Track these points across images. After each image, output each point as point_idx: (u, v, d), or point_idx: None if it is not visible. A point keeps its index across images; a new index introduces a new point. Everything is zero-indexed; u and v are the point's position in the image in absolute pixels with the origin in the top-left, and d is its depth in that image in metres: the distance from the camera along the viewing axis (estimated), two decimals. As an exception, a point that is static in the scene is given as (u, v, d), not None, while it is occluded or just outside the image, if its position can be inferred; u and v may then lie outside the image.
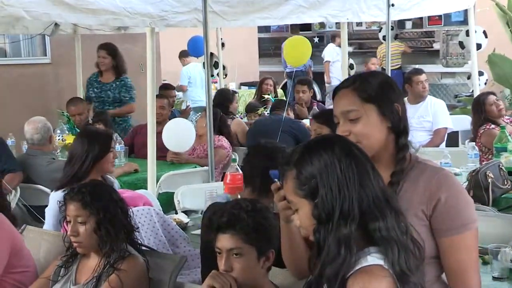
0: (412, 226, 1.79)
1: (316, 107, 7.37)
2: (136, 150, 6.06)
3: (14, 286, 2.72)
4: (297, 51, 6.47)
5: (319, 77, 12.15)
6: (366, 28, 12.52)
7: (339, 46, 9.07)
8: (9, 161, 4.98)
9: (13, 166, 4.96)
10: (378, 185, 1.74)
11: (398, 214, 1.75)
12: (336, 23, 8.60)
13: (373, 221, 1.71)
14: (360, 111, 1.97)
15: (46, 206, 4.80)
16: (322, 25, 12.43)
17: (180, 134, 5.35)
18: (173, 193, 4.68)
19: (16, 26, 6.82)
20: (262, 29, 13.31)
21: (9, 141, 5.90)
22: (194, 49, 8.96)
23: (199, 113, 7.32)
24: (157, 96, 6.31)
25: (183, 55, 10.36)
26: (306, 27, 12.00)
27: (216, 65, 7.44)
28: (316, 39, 12.80)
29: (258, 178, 2.79)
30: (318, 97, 11.88)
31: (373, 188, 1.72)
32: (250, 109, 7.77)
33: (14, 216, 2.95)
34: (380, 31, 9.97)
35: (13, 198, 4.77)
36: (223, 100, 7.04)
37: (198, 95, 9.34)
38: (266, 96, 7.86)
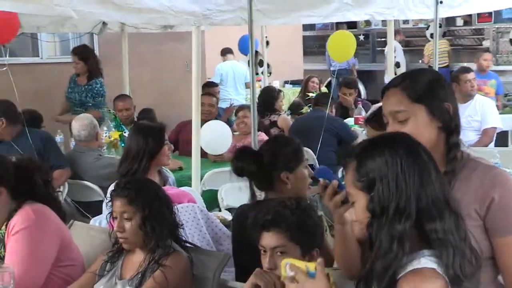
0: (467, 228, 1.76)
1: (360, 106, 7.30)
2: (180, 147, 6.11)
3: (62, 279, 2.77)
4: (341, 46, 6.42)
5: (364, 75, 12.06)
6: (413, 25, 12.36)
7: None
8: (57, 157, 5.08)
9: (61, 163, 5.06)
10: (439, 186, 1.72)
11: (458, 219, 1.71)
12: (382, 20, 8.50)
13: (430, 222, 1.68)
14: (409, 112, 1.95)
15: (93, 202, 4.90)
16: (368, 23, 12.33)
17: (216, 138, 5.35)
18: (217, 190, 4.70)
19: (65, 25, 6.96)
20: (307, 27, 13.26)
21: (58, 138, 6.01)
22: (244, 48, 8.94)
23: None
24: (205, 94, 6.36)
25: (224, 52, 10.38)
26: (351, 24, 11.91)
27: (261, 63, 7.45)
28: (361, 37, 12.70)
29: None
30: (363, 95, 11.78)
31: (433, 189, 1.70)
32: (294, 107, 7.74)
33: (63, 211, 2.99)
34: (427, 29, 9.82)
35: (61, 194, 4.86)
36: (268, 98, 7.04)
37: (228, 93, 9.31)
38: (310, 94, 7.82)
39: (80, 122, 5.26)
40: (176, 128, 6.40)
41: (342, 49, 6.42)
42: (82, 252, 2.96)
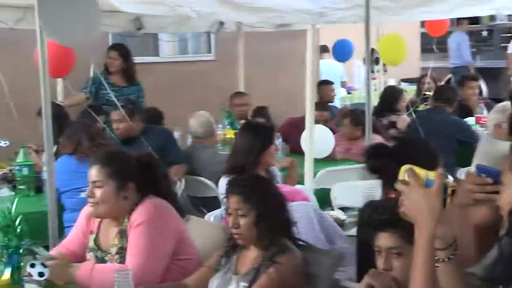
0: None
1: (483, 105, 6.97)
2: (291, 145, 6.13)
3: (179, 272, 2.85)
4: (391, 50, 6.15)
5: (486, 73, 11.53)
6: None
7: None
8: (176, 153, 5.25)
9: (179, 158, 5.22)
10: None
11: None
12: (508, 15, 8.08)
13: None
14: None
15: (208, 197, 5.02)
16: (492, 18, 11.78)
17: (319, 142, 5.31)
18: (330, 189, 4.68)
19: (184, 25, 7.17)
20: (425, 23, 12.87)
21: (176, 134, 6.21)
22: (339, 53, 8.79)
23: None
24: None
25: (320, 51, 10.26)
26: (473, 20, 11.42)
27: (376, 61, 7.31)
28: (484, 33, 12.15)
29: None
30: (484, 94, 11.28)
31: None
32: (410, 106, 7.54)
33: (180, 206, 3.09)
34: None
35: (178, 189, 5.02)
36: (389, 98, 6.90)
37: None
38: (427, 93, 7.58)
39: (198, 120, 5.41)
40: (287, 125, 6.40)
41: (392, 53, 6.15)
42: (198, 247, 3.04)
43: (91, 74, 6.30)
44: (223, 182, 3.72)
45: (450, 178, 1.93)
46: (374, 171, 2.90)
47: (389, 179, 2.85)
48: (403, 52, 6.20)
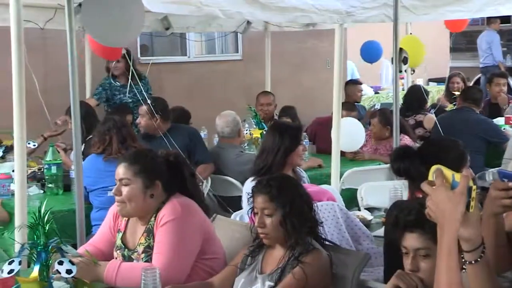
0: None
1: (512, 105, 6.88)
2: (317, 145, 6.11)
3: (205, 271, 2.86)
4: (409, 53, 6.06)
5: (515, 72, 11.36)
6: None
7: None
8: (202, 152, 5.28)
9: (205, 158, 5.24)
10: None
11: None
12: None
13: None
14: None
15: (234, 197, 5.03)
16: (524, 17, 11.60)
17: (350, 134, 5.29)
18: (356, 189, 4.65)
19: (212, 24, 7.21)
20: (454, 22, 12.73)
21: (202, 134, 6.24)
22: (367, 55, 8.71)
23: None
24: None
25: None
26: (505, 19, 11.26)
27: (405, 60, 7.23)
28: (516, 32, 11.99)
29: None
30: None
31: None
32: (438, 106, 7.47)
33: (207, 205, 3.10)
34: None
35: (205, 188, 5.04)
36: (413, 97, 6.85)
37: None
38: (456, 93, 7.50)
39: (224, 119, 5.42)
40: (314, 125, 6.40)
41: (410, 55, 6.07)
42: (223, 246, 3.05)
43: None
44: (250, 182, 3.73)
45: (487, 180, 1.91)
46: (400, 173, 2.88)
47: (415, 180, 2.83)
48: (420, 53, 6.13)
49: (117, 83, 6.34)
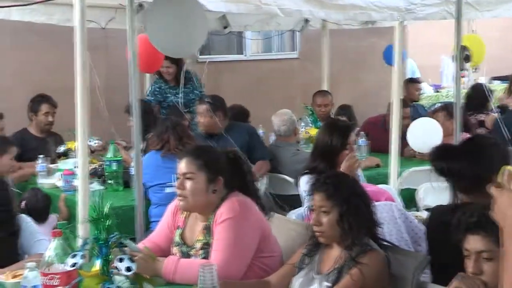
0: None
1: None
2: (371, 144, 6.05)
3: (262, 270, 2.86)
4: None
5: None
6: None
7: None
8: (261, 150, 5.31)
9: (264, 155, 5.27)
10: None
11: None
12: None
13: None
14: None
15: (290, 195, 5.02)
16: None
17: (425, 136, 5.18)
18: (415, 189, 4.58)
19: (269, 23, 7.21)
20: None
21: (260, 132, 6.26)
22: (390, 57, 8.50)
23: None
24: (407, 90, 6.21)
25: None
26: None
27: (467, 58, 7.05)
28: None
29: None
30: None
31: None
32: (500, 105, 7.27)
33: (263, 203, 3.10)
34: None
35: (261, 186, 5.05)
36: (475, 96, 6.68)
37: None
38: (520, 91, 7.28)
39: (280, 118, 5.42)
40: (366, 124, 6.31)
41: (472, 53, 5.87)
42: (280, 244, 3.04)
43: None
44: (304, 180, 3.72)
45: None
46: (445, 173, 2.79)
47: (457, 181, 2.74)
48: (482, 52, 5.98)
49: (168, 84, 6.39)
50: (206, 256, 2.83)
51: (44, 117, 5.81)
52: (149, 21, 3.82)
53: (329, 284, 2.56)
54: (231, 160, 2.97)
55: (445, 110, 5.78)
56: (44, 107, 5.80)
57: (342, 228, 2.61)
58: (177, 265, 2.77)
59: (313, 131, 5.91)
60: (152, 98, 6.35)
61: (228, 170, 2.93)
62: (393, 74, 4.65)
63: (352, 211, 2.61)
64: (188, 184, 2.86)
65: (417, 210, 4.39)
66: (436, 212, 2.90)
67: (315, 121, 6.12)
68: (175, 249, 2.98)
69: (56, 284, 2.39)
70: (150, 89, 6.48)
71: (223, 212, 2.83)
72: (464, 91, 7.30)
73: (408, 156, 5.48)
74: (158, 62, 5.61)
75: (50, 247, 2.47)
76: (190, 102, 6.17)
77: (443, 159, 2.81)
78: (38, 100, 5.84)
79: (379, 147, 5.44)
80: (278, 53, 8.98)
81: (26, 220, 3.26)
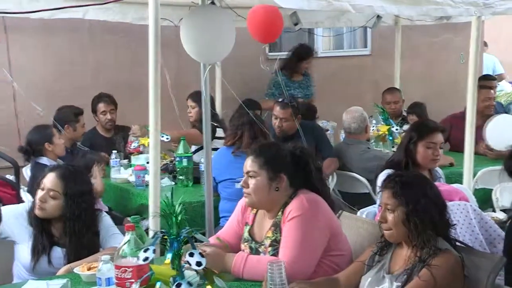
0: None
1: None
2: (451, 143, 5.90)
3: (331, 268, 2.84)
4: None
5: None
6: None
7: None
8: (327, 147, 5.30)
9: (331, 153, 5.24)
10: None
11: None
12: None
13: None
14: None
15: (359, 193, 4.97)
16: None
17: (502, 132, 5.03)
18: (491, 189, 4.45)
19: (341, 19, 7.15)
20: None
21: (330, 129, 6.22)
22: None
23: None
24: (482, 87, 6.02)
25: None
26: None
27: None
28: None
29: None
30: None
31: None
32: None
33: (333, 201, 3.08)
34: None
35: (330, 184, 5.02)
36: None
37: None
38: None
39: (351, 115, 5.37)
40: (447, 122, 6.16)
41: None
42: (350, 242, 3.01)
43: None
44: (382, 175, 3.69)
45: None
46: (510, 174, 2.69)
47: None
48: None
49: (286, 77, 6.77)
50: (275, 254, 2.83)
51: (102, 116, 5.95)
52: (183, 29, 3.95)
53: (399, 284, 2.52)
54: (298, 158, 2.96)
55: None
56: (101, 106, 5.95)
57: (408, 227, 2.56)
58: (246, 261, 2.78)
59: (384, 129, 5.82)
60: (273, 89, 6.71)
61: (295, 168, 2.92)
62: (469, 70, 4.51)
63: (419, 212, 2.55)
64: (251, 182, 2.90)
65: (493, 211, 4.25)
66: None
67: (386, 119, 6.02)
68: (244, 245, 3.00)
69: (128, 277, 2.45)
70: (271, 88, 6.78)
71: (292, 209, 2.82)
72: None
73: (480, 153, 5.32)
74: (279, 30, 5.71)
75: (123, 241, 2.53)
76: (306, 96, 6.78)
77: None
78: (95, 100, 6.00)
79: (461, 146, 5.28)
80: (350, 50, 8.86)
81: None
